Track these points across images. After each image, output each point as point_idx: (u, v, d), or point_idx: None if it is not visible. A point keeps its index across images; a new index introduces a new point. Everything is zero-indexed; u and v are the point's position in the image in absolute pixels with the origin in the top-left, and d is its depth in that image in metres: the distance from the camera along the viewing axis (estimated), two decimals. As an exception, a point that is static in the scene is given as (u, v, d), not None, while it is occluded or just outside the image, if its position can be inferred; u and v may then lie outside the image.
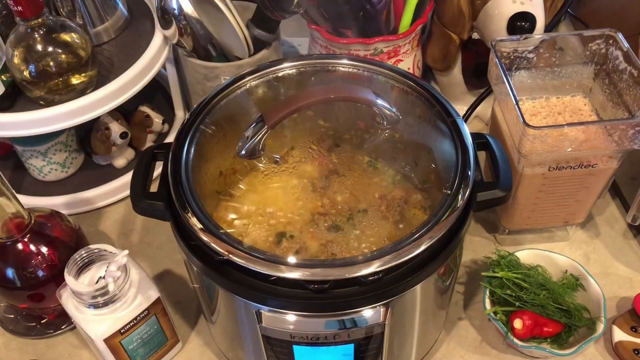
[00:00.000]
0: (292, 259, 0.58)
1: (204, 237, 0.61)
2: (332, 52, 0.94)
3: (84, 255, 0.70)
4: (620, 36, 0.79)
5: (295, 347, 0.63)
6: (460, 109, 1.06)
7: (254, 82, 0.75)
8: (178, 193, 0.66)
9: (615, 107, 0.79)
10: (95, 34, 0.94)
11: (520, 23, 0.86)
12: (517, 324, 0.75)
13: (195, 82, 0.97)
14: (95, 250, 0.70)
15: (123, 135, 0.97)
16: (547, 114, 0.82)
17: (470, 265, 0.88)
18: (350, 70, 0.77)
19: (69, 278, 0.67)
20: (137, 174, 0.68)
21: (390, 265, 0.58)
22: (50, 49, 0.82)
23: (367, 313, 0.60)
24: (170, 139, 1.04)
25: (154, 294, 0.72)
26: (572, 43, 0.82)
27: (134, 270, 0.72)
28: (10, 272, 0.74)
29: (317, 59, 0.78)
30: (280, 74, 0.76)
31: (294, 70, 0.76)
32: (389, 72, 0.75)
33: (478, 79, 1.06)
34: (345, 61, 0.77)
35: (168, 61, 0.98)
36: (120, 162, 1.01)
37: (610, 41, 0.80)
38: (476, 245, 0.90)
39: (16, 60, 0.82)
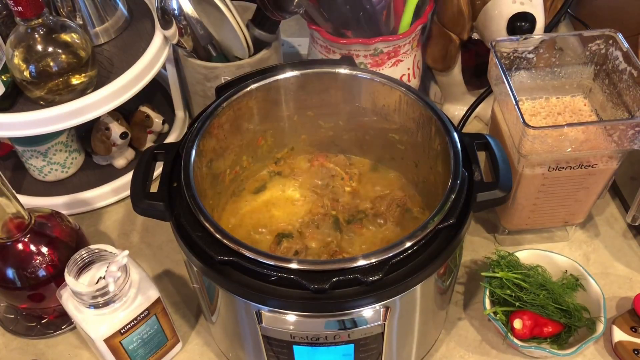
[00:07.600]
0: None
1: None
2: (332, 52, 0.94)
3: (84, 255, 0.70)
4: (620, 36, 0.79)
5: (295, 347, 0.63)
6: (460, 109, 1.06)
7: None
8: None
9: (615, 107, 0.79)
10: (96, 34, 0.94)
11: (520, 23, 0.86)
12: (517, 324, 0.75)
13: (195, 82, 0.97)
14: (96, 251, 0.70)
15: (123, 136, 0.97)
16: (547, 114, 0.82)
17: (470, 265, 0.88)
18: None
19: (69, 278, 0.67)
20: (137, 174, 0.68)
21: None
22: (50, 49, 0.82)
23: (367, 313, 0.60)
24: (171, 139, 1.04)
25: (154, 294, 0.72)
26: (572, 43, 0.82)
27: (134, 270, 0.72)
28: (10, 272, 0.74)
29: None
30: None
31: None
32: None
33: (478, 79, 1.06)
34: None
35: (168, 61, 0.98)
36: (120, 162, 1.01)
37: (610, 41, 0.80)
38: (476, 246, 0.90)
39: (16, 60, 0.82)
